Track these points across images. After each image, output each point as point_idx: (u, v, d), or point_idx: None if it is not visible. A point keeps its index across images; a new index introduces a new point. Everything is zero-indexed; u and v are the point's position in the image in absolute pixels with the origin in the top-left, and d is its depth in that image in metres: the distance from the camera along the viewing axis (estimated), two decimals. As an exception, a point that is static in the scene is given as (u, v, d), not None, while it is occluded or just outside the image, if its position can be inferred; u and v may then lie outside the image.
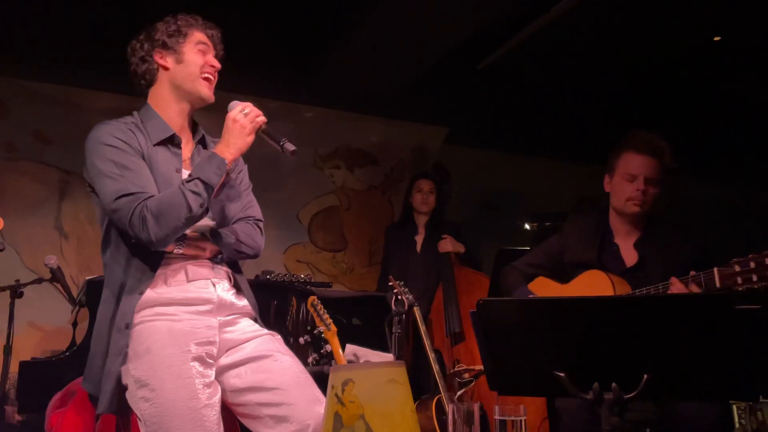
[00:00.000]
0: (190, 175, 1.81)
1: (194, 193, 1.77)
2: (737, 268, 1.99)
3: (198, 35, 1.97)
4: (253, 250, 2.00)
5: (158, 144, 1.91)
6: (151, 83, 1.97)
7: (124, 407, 1.76)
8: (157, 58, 1.94)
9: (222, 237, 1.94)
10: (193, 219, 1.78)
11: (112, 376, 1.75)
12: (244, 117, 1.87)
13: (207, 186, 1.79)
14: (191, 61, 1.93)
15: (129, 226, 1.74)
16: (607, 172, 2.53)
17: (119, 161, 1.80)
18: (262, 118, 1.90)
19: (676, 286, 2.13)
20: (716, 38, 4.28)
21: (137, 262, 1.82)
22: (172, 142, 1.94)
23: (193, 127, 2.05)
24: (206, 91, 1.95)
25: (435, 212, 4.05)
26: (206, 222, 1.95)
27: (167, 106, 1.96)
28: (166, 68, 1.95)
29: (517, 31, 4.20)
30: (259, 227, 2.04)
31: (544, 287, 2.61)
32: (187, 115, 2.00)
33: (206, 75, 1.94)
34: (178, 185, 1.79)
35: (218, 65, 1.98)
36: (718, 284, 2.03)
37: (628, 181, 2.42)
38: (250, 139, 1.89)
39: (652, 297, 2.06)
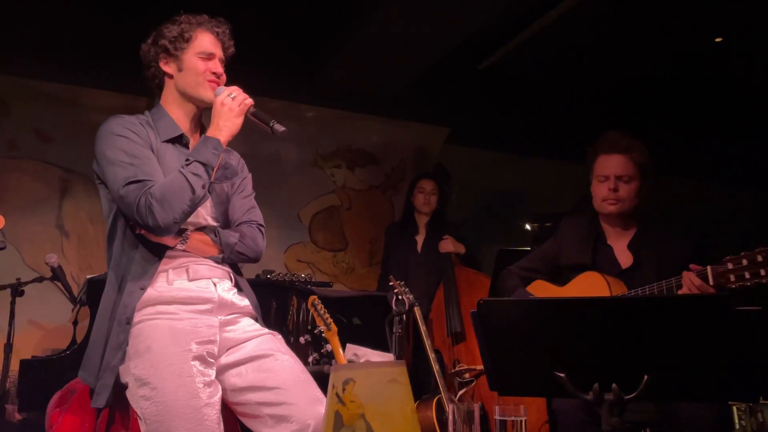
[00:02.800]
0: (187, 159, 1.83)
1: (195, 174, 1.79)
2: (730, 266, 1.99)
3: (201, 38, 1.96)
4: (254, 253, 2.02)
5: (167, 141, 1.94)
6: (161, 87, 2.01)
7: (123, 404, 1.76)
8: (161, 64, 1.97)
9: (224, 237, 1.96)
10: (196, 201, 1.80)
11: (111, 371, 1.76)
12: (232, 100, 1.90)
13: (206, 167, 1.82)
14: (192, 68, 1.94)
15: (136, 213, 1.75)
16: (589, 178, 2.57)
17: (129, 150, 1.82)
18: (249, 101, 1.93)
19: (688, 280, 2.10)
20: (717, 39, 4.28)
21: (141, 255, 1.84)
22: (180, 141, 1.97)
23: (202, 129, 2.07)
24: (211, 95, 1.95)
25: (436, 212, 4.05)
26: (209, 222, 1.97)
27: (175, 108, 1.99)
28: (170, 75, 1.97)
29: (519, 31, 4.20)
30: (261, 231, 2.06)
31: (541, 290, 2.61)
32: (195, 117, 2.02)
33: (210, 78, 1.95)
34: (178, 169, 1.81)
35: (220, 71, 1.98)
36: (711, 282, 2.03)
37: (601, 182, 2.47)
38: (239, 121, 1.91)
39: (653, 298, 2.06)
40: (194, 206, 1.81)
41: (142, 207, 1.74)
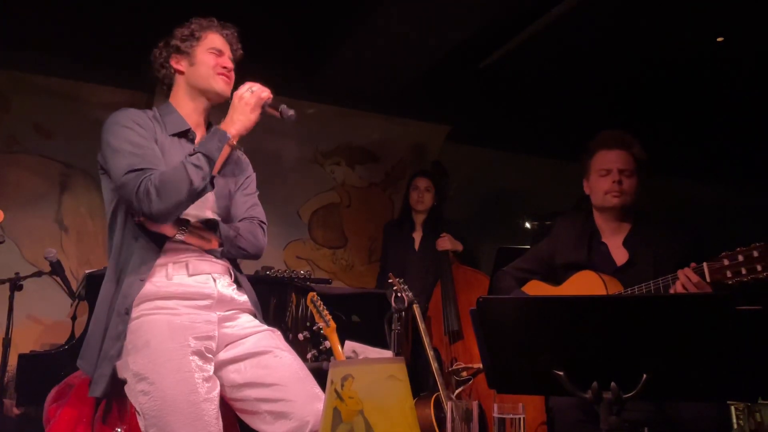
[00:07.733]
0: (193, 149, 1.86)
1: (196, 166, 1.80)
2: (726, 262, 2.00)
3: (212, 38, 2.03)
4: (255, 248, 2.02)
5: (173, 136, 1.97)
6: (171, 86, 2.05)
7: (120, 398, 1.77)
8: (173, 63, 2.02)
9: (224, 230, 1.96)
10: (195, 192, 1.81)
11: (109, 361, 1.77)
12: (251, 94, 1.94)
13: (209, 159, 1.83)
14: (203, 62, 2.00)
15: (135, 199, 1.77)
16: (584, 176, 2.59)
17: (133, 141, 1.85)
18: (267, 94, 1.96)
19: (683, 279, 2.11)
20: (719, 39, 4.27)
21: (141, 246, 1.85)
22: (186, 136, 2.00)
23: (208, 127, 2.10)
24: (222, 86, 2.01)
25: (433, 210, 4.04)
26: (211, 215, 1.98)
27: (184, 105, 2.03)
28: (181, 72, 2.02)
29: (519, 30, 4.19)
30: (262, 227, 2.07)
31: (536, 290, 2.62)
32: (204, 112, 2.06)
33: (220, 71, 2.01)
34: (181, 160, 1.83)
35: (230, 65, 2.04)
36: (708, 278, 2.04)
37: (603, 177, 2.48)
38: (254, 115, 1.94)
39: (653, 297, 2.06)
40: (193, 197, 1.82)
41: (141, 193, 1.76)
